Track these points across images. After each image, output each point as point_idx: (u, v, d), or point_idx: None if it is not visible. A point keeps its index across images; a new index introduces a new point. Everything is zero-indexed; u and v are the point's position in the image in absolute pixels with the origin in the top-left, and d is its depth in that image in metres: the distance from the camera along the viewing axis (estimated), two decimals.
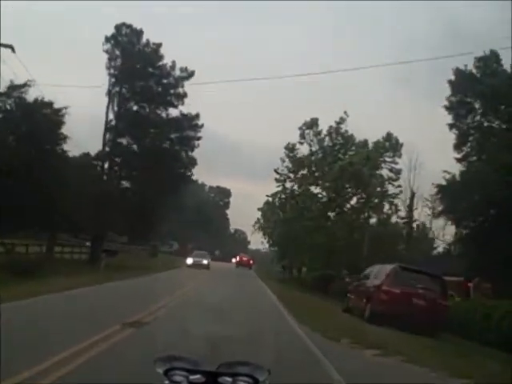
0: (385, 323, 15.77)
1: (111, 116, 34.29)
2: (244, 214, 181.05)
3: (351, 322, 16.94)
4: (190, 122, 37.85)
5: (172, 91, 36.78)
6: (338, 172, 31.07)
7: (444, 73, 38.79)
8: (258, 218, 54.75)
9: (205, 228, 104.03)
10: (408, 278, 17.72)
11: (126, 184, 37.36)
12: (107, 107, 33.85)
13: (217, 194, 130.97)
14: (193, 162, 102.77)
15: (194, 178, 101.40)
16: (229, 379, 1.93)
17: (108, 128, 33.78)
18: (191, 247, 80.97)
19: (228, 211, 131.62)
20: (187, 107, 37.08)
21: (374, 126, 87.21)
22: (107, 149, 33.82)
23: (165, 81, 36.32)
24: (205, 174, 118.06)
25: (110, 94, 34.02)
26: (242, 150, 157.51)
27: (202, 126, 38.20)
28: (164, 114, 37.47)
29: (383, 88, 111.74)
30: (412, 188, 34.49)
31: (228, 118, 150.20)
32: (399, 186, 34.19)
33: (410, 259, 26.79)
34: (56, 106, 29.12)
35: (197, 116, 37.97)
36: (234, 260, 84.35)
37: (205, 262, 41.11)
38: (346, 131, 35.02)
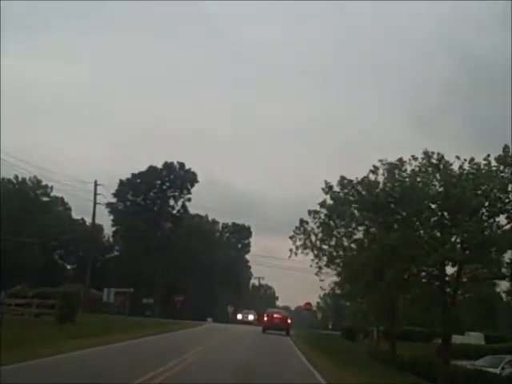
0: None
1: None
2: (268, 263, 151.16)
3: None
4: None
5: None
6: None
7: None
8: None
9: (212, 276, 73.12)
10: None
11: None
12: None
13: (233, 234, 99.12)
14: (192, 178, 71.34)
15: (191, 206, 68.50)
16: None
17: None
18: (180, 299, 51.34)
19: (248, 256, 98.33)
20: None
21: None
22: None
23: None
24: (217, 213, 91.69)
25: None
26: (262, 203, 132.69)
27: None
28: None
29: None
30: None
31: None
32: None
33: None
34: None
35: None
36: (239, 316, 60.05)
37: None
38: None
